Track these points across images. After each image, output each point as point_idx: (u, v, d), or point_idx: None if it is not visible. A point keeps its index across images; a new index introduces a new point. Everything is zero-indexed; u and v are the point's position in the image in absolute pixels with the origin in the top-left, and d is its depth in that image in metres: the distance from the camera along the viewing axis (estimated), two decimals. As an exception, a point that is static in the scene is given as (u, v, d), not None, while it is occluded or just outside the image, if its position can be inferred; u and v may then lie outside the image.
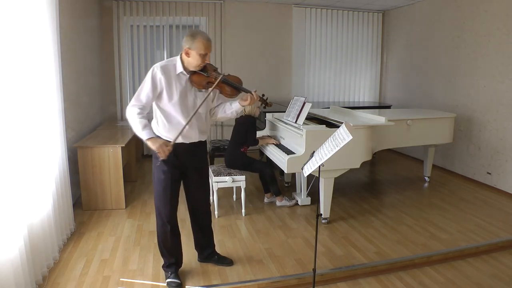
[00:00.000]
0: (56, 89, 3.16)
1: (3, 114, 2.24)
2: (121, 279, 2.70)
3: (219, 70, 2.50)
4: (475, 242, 3.30)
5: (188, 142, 2.50)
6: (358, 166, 3.65)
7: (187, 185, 2.68)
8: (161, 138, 2.41)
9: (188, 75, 2.43)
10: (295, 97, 4.04)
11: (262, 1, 6.45)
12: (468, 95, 5.22)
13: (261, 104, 2.70)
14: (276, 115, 4.42)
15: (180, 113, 2.42)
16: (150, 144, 2.32)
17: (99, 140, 4.16)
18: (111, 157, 3.91)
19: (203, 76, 2.42)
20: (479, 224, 3.72)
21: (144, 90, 2.36)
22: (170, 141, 2.37)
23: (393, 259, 2.99)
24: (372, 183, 5.20)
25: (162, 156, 2.30)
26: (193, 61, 2.36)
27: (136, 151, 5.34)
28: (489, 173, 4.91)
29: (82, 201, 3.97)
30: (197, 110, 2.40)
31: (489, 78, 4.86)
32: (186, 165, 2.57)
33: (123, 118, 6.21)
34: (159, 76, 2.35)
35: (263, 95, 2.66)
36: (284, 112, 4.19)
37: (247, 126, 4.01)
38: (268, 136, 4.38)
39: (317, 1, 6.44)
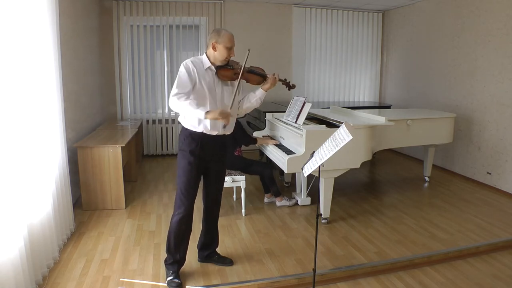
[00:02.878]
0: (56, 89, 3.16)
1: (3, 114, 2.24)
2: (121, 279, 2.70)
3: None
4: (475, 242, 3.30)
5: (214, 134, 2.58)
6: (358, 166, 3.65)
7: (208, 178, 2.74)
8: (189, 130, 2.54)
9: (215, 70, 2.55)
10: (295, 97, 4.04)
11: (262, 1, 6.45)
12: (468, 95, 5.22)
13: (286, 87, 2.85)
14: (276, 115, 4.42)
15: (209, 106, 2.50)
16: (210, 116, 2.37)
17: (99, 140, 4.16)
18: (111, 157, 3.91)
19: (229, 69, 2.57)
20: (479, 224, 3.72)
21: (182, 80, 2.43)
22: (198, 132, 2.52)
23: (393, 259, 2.99)
24: (372, 183, 5.20)
25: (226, 121, 2.41)
26: (220, 55, 2.50)
27: (136, 151, 5.34)
28: (489, 173, 4.91)
29: (82, 201, 3.97)
30: (235, 93, 2.54)
31: (489, 78, 4.86)
32: (210, 158, 2.64)
33: (123, 118, 6.22)
34: (192, 67, 2.46)
35: (285, 79, 2.83)
36: (284, 112, 4.19)
37: (234, 131, 3.97)
38: (268, 136, 4.38)
39: (317, 1, 6.45)
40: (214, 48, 2.50)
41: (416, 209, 4.10)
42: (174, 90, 2.41)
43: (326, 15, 6.86)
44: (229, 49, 2.51)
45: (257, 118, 5.37)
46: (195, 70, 2.46)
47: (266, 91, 2.68)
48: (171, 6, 6.14)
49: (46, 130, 2.95)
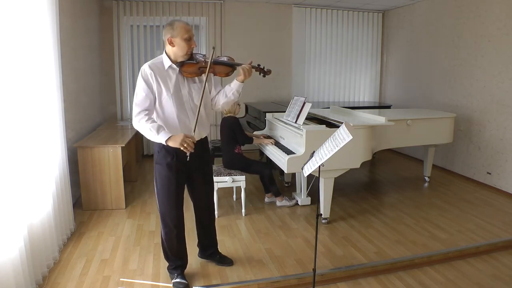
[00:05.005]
0: (56, 89, 3.16)
1: (3, 114, 2.24)
2: (121, 279, 2.70)
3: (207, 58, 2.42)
4: (475, 242, 3.30)
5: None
6: (358, 166, 3.65)
7: (192, 184, 2.62)
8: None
9: (178, 68, 2.36)
10: (295, 97, 4.04)
11: (262, 1, 6.45)
12: (468, 95, 5.22)
13: (260, 73, 2.52)
14: (276, 115, 4.42)
15: (176, 108, 2.34)
16: (172, 143, 2.19)
17: (99, 140, 4.16)
18: (111, 157, 3.91)
19: (193, 64, 2.34)
20: (479, 224, 3.72)
21: (141, 92, 2.27)
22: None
23: (393, 259, 2.99)
24: (372, 183, 5.20)
25: (189, 150, 2.18)
26: (179, 49, 2.30)
27: (136, 151, 5.34)
28: (489, 173, 4.91)
29: (82, 201, 3.97)
30: (203, 90, 2.28)
31: (489, 78, 4.86)
32: (191, 167, 2.49)
33: (123, 118, 6.22)
34: (149, 72, 2.27)
35: (258, 64, 2.51)
36: (284, 112, 4.19)
37: (233, 127, 3.98)
38: (265, 136, 4.38)
39: (317, 1, 6.44)
40: (171, 44, 2.28)
41: (416, 209, 4.10)
42: (134, 109, 2.23)
43: (326, 15, 6.86)
44: (188, 40, 2.28)
45: (257, 118, 5.37)
46: (153, 74, 2.27)
47: (242, 82, 2.44)
48: (171, 6, 6.14)
49: (46, 130, 2.95)
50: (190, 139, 2.20)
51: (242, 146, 4.12)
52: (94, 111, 5.38)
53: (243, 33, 6.54)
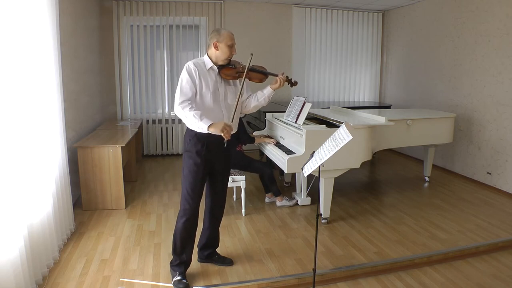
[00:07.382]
0: (56, 89, 3.16)
1: (3, 114, 2.24)
2: (121, 279, 2.70)
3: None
4: (475, 242, 3.30)
5: (219, 134, 2.55)
6: (358, 166, 3.65)
7: (212, 177, 2.73)
8: (195, 131, 2.53)
9: (217, 70, 2.59)
10: (295, 97, 4.04)
11: (262, 1, 6.45)
12: (468, 95, 5.23)
13: (288, 84, 2.82)
14: (276, 115, 4.42)
15: (212, 105, 2.54)
16: (213, 129, 2.37)
17: (99, 140, 4.16)
18: (111, 157, 3.91)
19: (231, 68, 2.60)
20: (479, 224, 3.72)
21: (185, 84, 2.46)
22: (204, 133, 2.47)
23: (393, 259, 2.99)
24: (372, 183, 5.20)
25: (227, 136, 2.38)
26: (222, 53, 2.54)
27: (136, 151, 5.34)
28: (489, 173, 4.91)
29: (82, 201, 3.97)
30: (240, 92, 2.54)
31: (489, 78, 4.86)
32: (215, 159, 2.64)
33: (123, 118, 6.22)
34: (193, 67, 2.50)
35: (287, 76, 2.80)
36: (284, 112, 4.19)
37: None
38: (266, 135, 4.38)
39: (317, 1, 6.45)
40: (216, 48, 2.53)
41: (416, 209, 4.10)
42: (178, 98, 2.44)
43: (326, 15, 6.86)
44: (231, 47, 2.55)
45: (257, 118, 5.37)
46: (197, 70, 2.49)
47: (274, 90, 2.72)
48: (171, 6, 6.14)
49: (46, 130, 2.95)
50: (229, 127, 2.40)
51: (243, 146, 4.13)
52: (94, 111, 5.38)
53: (243, 33, 6.53)
